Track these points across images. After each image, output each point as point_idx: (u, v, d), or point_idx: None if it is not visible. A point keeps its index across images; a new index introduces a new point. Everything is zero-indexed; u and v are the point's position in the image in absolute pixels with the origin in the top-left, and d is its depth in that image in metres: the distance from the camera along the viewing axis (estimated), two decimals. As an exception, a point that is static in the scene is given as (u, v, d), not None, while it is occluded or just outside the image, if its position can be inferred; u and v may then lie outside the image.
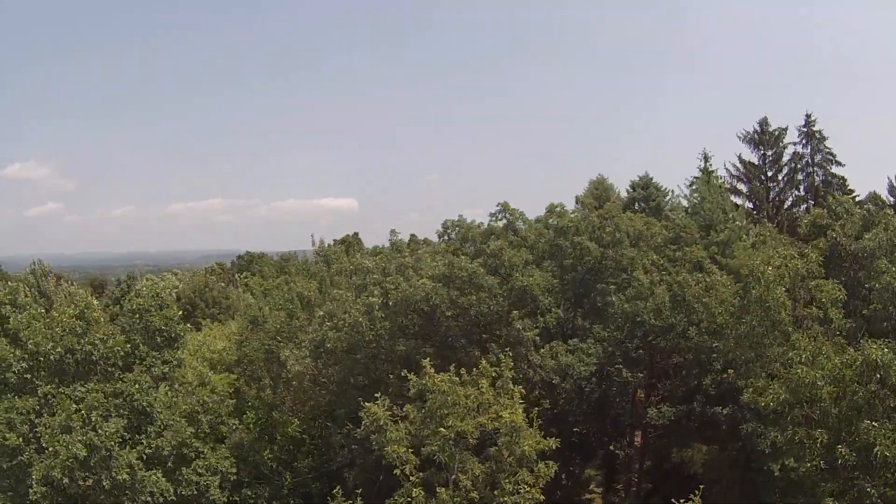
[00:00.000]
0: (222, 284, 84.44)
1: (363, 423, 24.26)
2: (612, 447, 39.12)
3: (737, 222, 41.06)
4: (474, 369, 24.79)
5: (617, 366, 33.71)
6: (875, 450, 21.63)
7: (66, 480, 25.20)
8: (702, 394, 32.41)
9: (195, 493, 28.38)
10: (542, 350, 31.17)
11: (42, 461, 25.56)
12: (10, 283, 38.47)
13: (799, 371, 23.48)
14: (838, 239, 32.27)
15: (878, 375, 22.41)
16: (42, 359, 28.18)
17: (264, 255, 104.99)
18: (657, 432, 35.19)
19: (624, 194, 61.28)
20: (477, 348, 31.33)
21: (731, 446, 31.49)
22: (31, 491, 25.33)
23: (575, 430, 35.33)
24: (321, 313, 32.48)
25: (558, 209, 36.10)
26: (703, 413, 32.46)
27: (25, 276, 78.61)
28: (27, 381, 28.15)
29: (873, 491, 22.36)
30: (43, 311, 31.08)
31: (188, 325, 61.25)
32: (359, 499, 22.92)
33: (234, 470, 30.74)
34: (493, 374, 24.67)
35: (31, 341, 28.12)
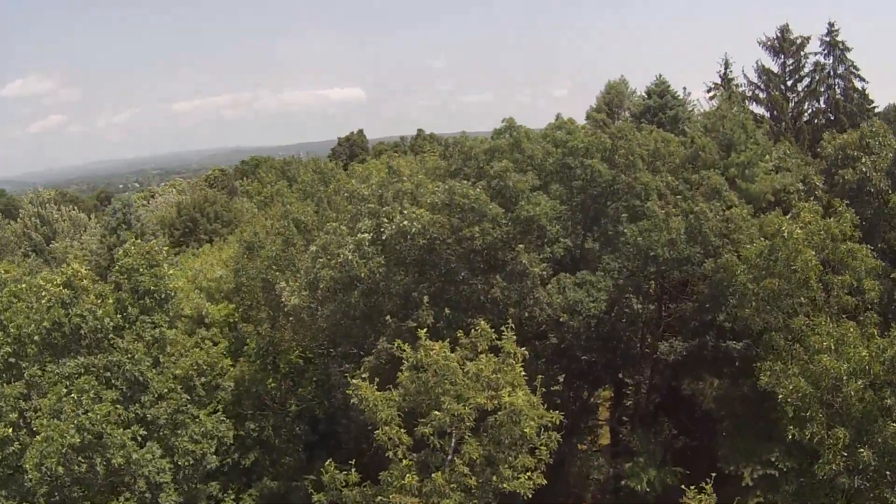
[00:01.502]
0: (224, 197, 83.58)
1: (351, 400, 22.68)
2: (620, 375, 38.11)
3: (758, 143, 38.76)
4: (472, 331, 23.17)
5: (627, 296, 32.24)
6: None
7: (59, 469, 23.93)
8: (715, 328, 31.06)
9: (192, 462, 27.30)
10: (548, 285, 29.64)
11: (34, 447, 24.20)
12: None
13: (822, 360, 21.91)
14: (868, 174, 30.54)
15: None
16: (27, 340, 26.88)
17: (269, 158, 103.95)
18: (668, 365, 33.97)
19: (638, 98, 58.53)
20: (480, 279, 29.86)
21: (742, 381, 30.31)
22: (26, 478, 24.23)
23: (583, 358, 34.16)
24: (314, 248, 30.76)
25: (567, 126, 33.94)
26: (716, 347, 31.18)
27: (26, 206, 78.44)
28: (13, 364, 26.92)
29: (893, 499, 21.18)
30: (25, 285, 29.73)
31: (191, 242, 61.61)
32: (353, 471, 21.76)
33: (231, 433, 29.76)
34: (494, 340, 22.97)
35: (12, 325, 26.85)
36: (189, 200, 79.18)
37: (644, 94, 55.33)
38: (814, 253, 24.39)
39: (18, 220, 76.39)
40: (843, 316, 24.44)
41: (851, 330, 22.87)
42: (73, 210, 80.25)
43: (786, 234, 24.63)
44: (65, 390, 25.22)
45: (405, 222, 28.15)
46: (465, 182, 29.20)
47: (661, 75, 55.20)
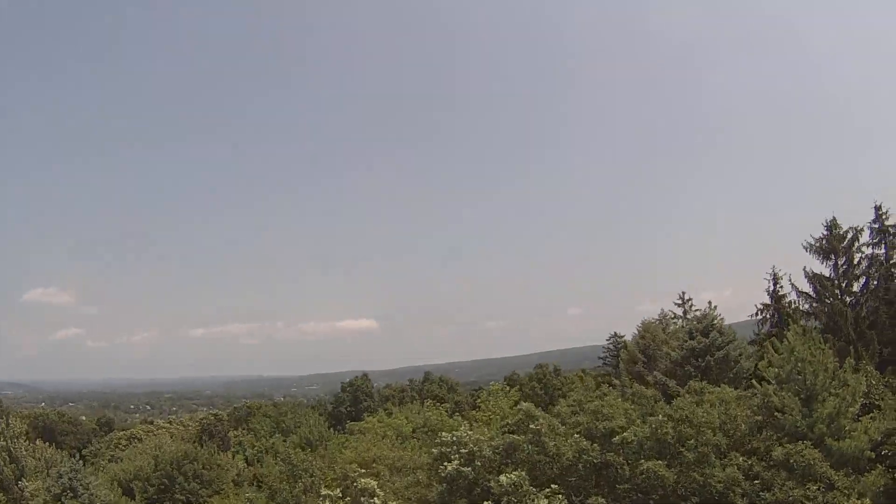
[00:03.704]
0: (213, 448, 76.61)
1: None
2: None
3: (848, 383, 29.60)
4: None
5: None
6: None
7: None
8: None
9: None
10: None
11: None
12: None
13: None
14: None
15: None
16: None
17: (263, 405, 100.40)
18: None
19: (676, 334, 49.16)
20: None
21: None
22: None
23: None
24: None
25: (606, 409, 24.88)
26: None
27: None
28: None
29: None
30: None
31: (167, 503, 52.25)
32: None
33: None
34: None
35: None
36: (168, 456, 72.59)
37: (687, 335, 45.59)
38: None
39: None
40: None
41: None
42: (49, 447, 71.94)
43: None
44: None
45: None
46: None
47: (707, 310, 46.21)
